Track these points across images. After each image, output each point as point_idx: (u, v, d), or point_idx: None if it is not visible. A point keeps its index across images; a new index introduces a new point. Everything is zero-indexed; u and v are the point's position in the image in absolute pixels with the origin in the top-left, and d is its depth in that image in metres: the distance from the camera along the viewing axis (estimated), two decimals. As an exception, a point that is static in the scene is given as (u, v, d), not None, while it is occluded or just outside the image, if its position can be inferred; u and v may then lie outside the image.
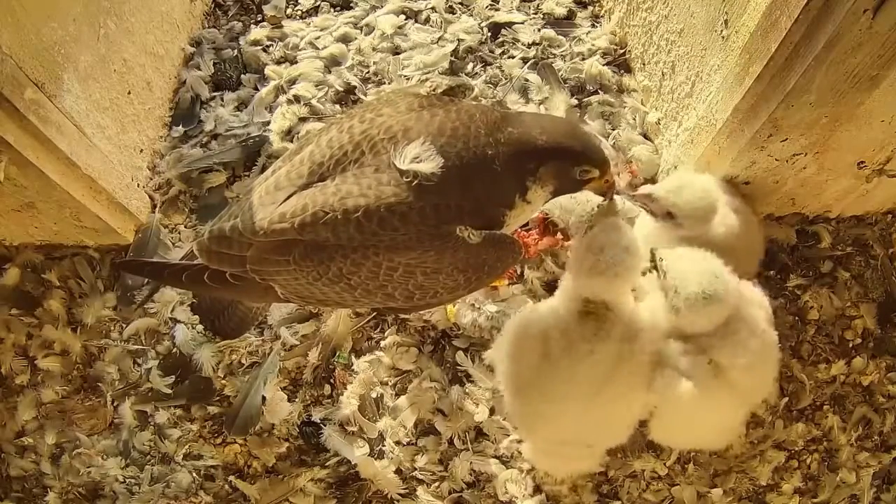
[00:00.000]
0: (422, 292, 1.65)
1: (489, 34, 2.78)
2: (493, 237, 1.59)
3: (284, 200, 1.62)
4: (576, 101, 2.61)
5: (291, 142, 2.56)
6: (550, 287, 2.34)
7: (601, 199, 1.80)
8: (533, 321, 1.85)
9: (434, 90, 1.72)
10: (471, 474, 2.15)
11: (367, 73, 2.71)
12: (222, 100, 2.69)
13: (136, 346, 2.34)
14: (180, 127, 2.63)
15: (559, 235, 2.34)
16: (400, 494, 2.14)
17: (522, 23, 2.79)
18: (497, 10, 2.84)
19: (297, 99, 2.65)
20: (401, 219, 1.54)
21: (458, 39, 2.73)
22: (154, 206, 2.49)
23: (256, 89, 2.71)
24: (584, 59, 2.68)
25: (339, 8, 2.89)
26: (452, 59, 2.69)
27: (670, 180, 2.06)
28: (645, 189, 2.02)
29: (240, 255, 1.66)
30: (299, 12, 2.89)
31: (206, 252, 1.71)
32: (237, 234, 1.64)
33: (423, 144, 1.54)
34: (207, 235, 1.71)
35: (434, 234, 1.55)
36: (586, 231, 1.76)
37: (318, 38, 2.79)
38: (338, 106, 2.66)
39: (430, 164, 1.52)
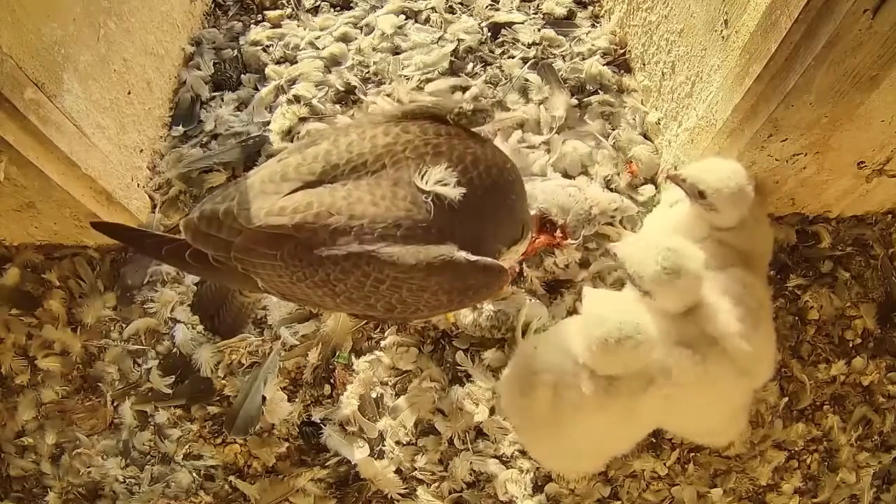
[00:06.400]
0: (403, 307, 1.64)
1: (489, 34, 2.77)
2: (482, 263, 1.58)
3: (289, 193, 1.59)
4: (576, 101, 2.61)
5: (291, 142, 2.56)
6: (550, 287, 2.34)
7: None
8: (540, 363, 1.84)
9: (461, 113, 1.71)
10: (471, 474, 2.15)
11: (368, 73, 2.71)
12: (222, 100, 2.69)
13: (136, 346, 2.33)
14: (180, 127, 2.63)
15: (557, 233, 2.34)
16: (400, 494, 2.14)
17: (522, 23, 2.79)
18: (497, 10, 2.83)
19: (297, 99, 2.65)
20: (404, 234, 1.53)
21: (458, 39, 2.73)
22: (154, 206, 2.49)
23: (256, 89, 2.70)
24: (584, 59, 2.68)
25: (339, 8, 2.89)
26: (452, 59, 2.69)
27: (699, 163, 2.06)
28: (676, 170, 2.04)
29: (227, 239, 1.61)
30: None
31: (193, 231, 1.66)
32: (230, 218, 1.60)
33: (449, 170, 1.58)
34: (197, 214, 1.65)
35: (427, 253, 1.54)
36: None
37: (318, 38, 2.79)
38: (338, 106, 2.66)
39: (455, 191, 1.56)
